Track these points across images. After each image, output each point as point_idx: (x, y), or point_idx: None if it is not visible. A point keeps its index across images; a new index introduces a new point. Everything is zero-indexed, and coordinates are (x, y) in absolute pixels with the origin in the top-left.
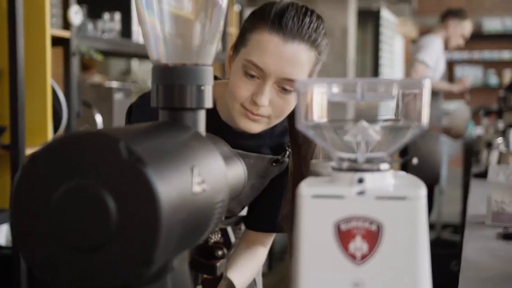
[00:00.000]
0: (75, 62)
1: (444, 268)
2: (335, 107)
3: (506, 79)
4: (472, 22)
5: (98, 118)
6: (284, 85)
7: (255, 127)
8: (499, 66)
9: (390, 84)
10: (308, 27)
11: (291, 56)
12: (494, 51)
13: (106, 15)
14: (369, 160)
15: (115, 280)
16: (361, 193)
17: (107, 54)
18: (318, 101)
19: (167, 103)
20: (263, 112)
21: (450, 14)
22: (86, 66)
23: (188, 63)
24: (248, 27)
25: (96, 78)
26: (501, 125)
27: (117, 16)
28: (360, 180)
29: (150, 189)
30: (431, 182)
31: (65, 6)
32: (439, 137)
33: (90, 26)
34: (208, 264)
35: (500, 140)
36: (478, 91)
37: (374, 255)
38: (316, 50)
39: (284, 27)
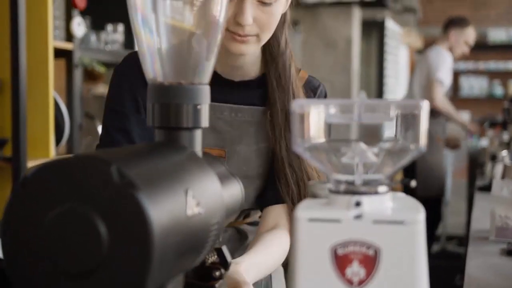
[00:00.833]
0: (77, 74)
1: (448, 281)
2: (332, 127)
3: (511, 90)
4: (474, 29)
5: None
6: None
7: (246, 49)
8: (504, 76)
9: (387, 106)
10: None
11: None
12: (499, 61)
13: (109, 27)
14: (366, 183)
15: None
16: (358, 216)
17: (110, 65)
18: (315, 122)
19: (163, 122)
20: (250, 31)
21: (451, 24)
22: (93, 76)
23: (184, 82)
24: None
25: (100, 88)
26: (506, 136)
27: (120, 27)
28: (358, 204)
29: (142, 214)
30: (437, 192)
31: (68, 18)
32: (443, 148)
33: (93, 37)
34: (206, 286)
35: (504, 153)
36: (483, 101)
37: (372, 281)
38: None
39: None
